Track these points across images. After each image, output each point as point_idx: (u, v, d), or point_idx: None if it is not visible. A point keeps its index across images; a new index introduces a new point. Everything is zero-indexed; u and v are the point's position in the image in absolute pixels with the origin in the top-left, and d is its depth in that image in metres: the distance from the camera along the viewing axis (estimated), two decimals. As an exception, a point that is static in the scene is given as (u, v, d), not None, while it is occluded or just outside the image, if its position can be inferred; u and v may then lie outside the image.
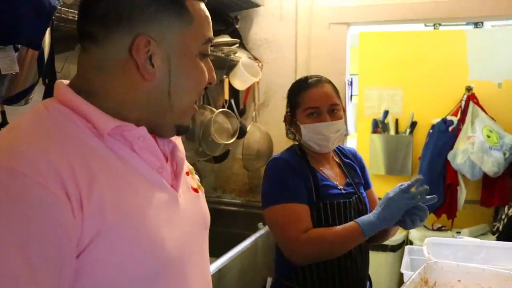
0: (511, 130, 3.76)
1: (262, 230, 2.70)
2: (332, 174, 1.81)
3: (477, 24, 4.05)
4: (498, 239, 3.37)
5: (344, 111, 1.86)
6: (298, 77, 2.00)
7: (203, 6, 0.91)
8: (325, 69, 2.98)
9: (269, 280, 1.82)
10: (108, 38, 0.84)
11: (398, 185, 1.59)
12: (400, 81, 4.22)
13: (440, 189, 3.77)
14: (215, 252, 2.14)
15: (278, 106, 3.16)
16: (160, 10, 0.84)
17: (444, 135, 3.85)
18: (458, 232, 3.76)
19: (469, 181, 3.78)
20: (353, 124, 3.63)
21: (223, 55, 2.85)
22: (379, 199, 1.64)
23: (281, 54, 3.25)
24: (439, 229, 3.96)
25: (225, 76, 3.02)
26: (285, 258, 1.69)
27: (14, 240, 0.68)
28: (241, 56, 3.05)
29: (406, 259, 1.98)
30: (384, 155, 4.23)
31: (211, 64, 0.95)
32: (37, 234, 0.70)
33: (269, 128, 3.23)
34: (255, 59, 3.26)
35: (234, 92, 3.18)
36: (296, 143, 1.85)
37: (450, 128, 3.84)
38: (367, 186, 1.91)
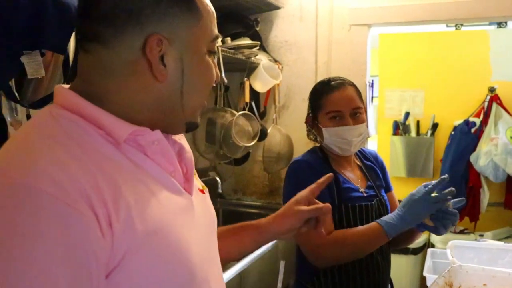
0: (535, 132, 3.71)
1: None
2: (354, 176, 1.80)
3: (500, 24, 3.99)
4: (523, 242, 3.32)
5: (366, 113, 1.84)
6: (319, 79, 1.99)
7: (208, 1, 0.88)
8: (345, 71, 2.98)
9: (282, 264, 1.80)
10: (117, 39, 0.78)
11: (423, 185, 1.56)
12: (421, 82, 4.19)
13: (462, 191, 3.72)
14: (236, 254, 2.16)
15: (298, 108, 3.16)
16: (171, 7, 0.80)
17: (467, 136, 3.81)
18: (481, 235, 3.71)
19: (492, 183, 3.73)
20: (374, 126, 3.61)
21: (243, 57, 2.86)
22: (399, 201, 1.63)
23: (302, 56, 3.25)
24: (461, 232, 3.91)
25: (245, 78, 3.03)
26: (307, 261, 1.68)
27: (39, 263, 0.63)
28: (262, 59, 3.06)
29: (428, 262, 1.96)
30: (405, 157, 4.20)
31: (215, 62, 0.92)
32: (63, 256, 0.65)
33: (289, 130, 3.23)
34: (276, 61, 3.26)
35: (254, 94, 3.19)
36: (317, 144, 1.85)
37: (473, 130, 3.80)
38: (388, 188, 1.90)
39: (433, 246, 3.76)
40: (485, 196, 3.75)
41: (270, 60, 3.19)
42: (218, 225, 1.08)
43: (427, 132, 4.14)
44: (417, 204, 1.53)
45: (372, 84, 3.23)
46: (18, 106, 1.57)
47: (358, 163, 1.87)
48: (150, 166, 0.82)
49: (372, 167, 1.88)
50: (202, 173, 3.00)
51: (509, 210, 3.84)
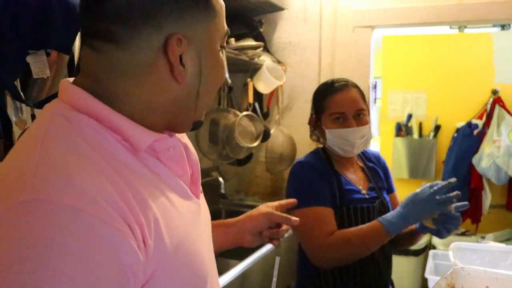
0: (538, 134, 3.71)
1: (286, 233, 2.69)
2: (356, 178, 1.80)
3: (504, 27, 3.99)
4: (524, 244, 3.32)
5: (369, 115, 1.84)
6: (322, 80, 1.99)
7: None
8: (349, 72, 2.98)
9: (277, 259, 1.80)
10: (134, 39, 0.73)
11: (428, 185, 1.55)
12: (424, 84, 4.19)
13: (464, 193, 3.73)
14: (238, 254, 2.16)
15: (302, 110, 3.17)
16: (189, 5, 0.75)
17: (469, 138, 3.81)
18: (483, 237, 3.71)
19: (494, 185, 3.73)
20: (376, 127, 3.61)
21: (247, 58, 2.86)
22: None
23: (305, 58, 3.25)
24: (462, 234, 3.91)
25: (249, 79, 3.04)
26: (309, 262, 1.68)
27: (82, 284, 0.60)
28: (265, 60, 3.06)
29: (430, 263, 1.97)
30: (407, 159, 4.21)
31: (225, 57, 0.88)
32: (105, 276, 0.62)
33: (292, 131, 3.24)
34: (279, 62, 3.27)
35: (258, 95, 3.20)
36: (320, 145, 1.85)
37: (475, 132, 3.80)
38: (390, 190, 1.89)
39: (434, 247, 3.76)
40: (487, 198, 3.75)
41: (273, 61, 3.19)
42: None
43: (429, 134, 4.15)
44: (421, 204, 1.52)
45: (376, 85, 3.24)
46: (23, 105, 1.58)
47: (361, 164, 1.87)
48: (163, 171, 0.79)
49: (375, 168, 1.88)
50: (205, 174, 3.01)
51: (511, 212, 3.84)
